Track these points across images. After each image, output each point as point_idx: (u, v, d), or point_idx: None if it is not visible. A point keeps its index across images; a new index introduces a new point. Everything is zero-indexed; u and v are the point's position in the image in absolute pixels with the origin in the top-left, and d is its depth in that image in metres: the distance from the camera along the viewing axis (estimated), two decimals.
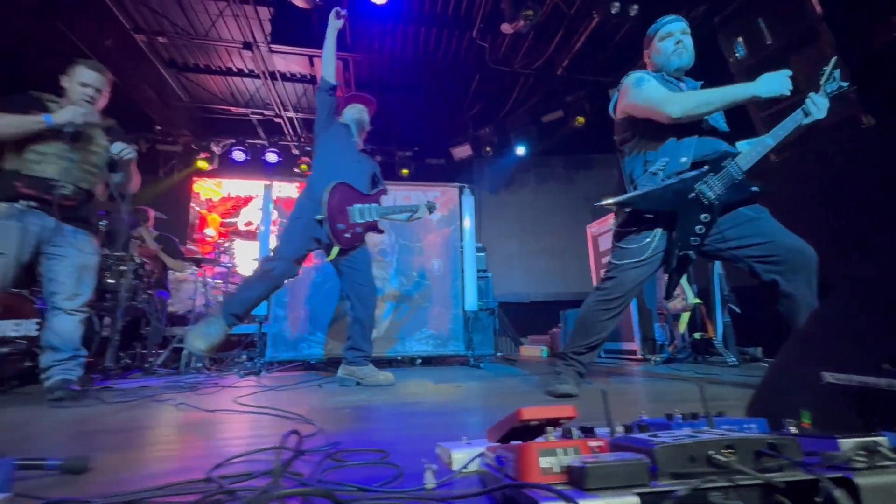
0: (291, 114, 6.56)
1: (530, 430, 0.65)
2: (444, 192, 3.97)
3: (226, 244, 6.60)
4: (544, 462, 0.53)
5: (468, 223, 3.83)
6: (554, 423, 0.64)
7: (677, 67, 1.78)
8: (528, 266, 6.91)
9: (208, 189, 7.48)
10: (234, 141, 6.85)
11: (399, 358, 3.58)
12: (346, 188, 2.51)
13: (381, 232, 2.70)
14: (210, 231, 7.34)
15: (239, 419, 1.49)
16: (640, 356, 3.75)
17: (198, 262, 3.93)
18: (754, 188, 1.59)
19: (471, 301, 3.50)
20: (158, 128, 6.79)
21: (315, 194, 2.46)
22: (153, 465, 0.92)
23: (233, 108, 6.64)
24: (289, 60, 5.54)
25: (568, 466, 0.52)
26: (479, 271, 4.02)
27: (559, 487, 0.49)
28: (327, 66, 2.60)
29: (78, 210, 2.10)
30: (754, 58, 3.27)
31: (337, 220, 2.43)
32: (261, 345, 3.30)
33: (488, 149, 6.36)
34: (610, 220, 3.99)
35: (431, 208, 2.68)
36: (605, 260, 4.07)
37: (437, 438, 0.95)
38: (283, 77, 5.83)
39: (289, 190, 7.85)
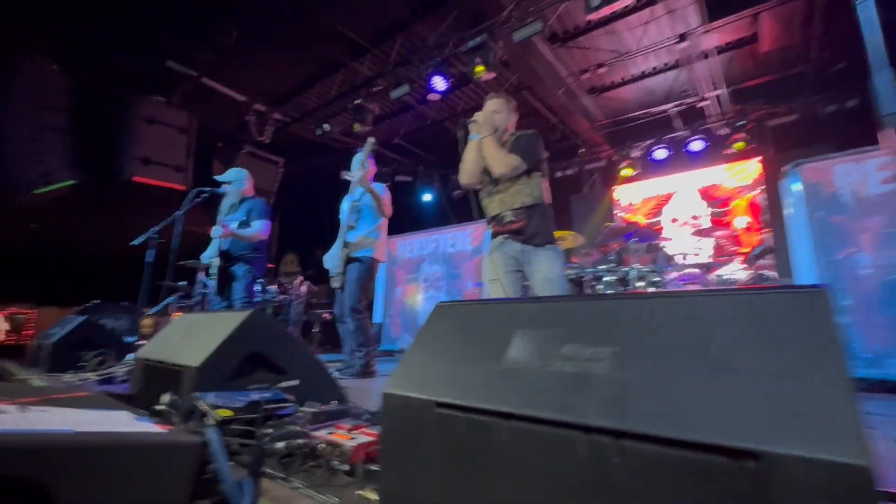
0: (719, 91, 5.89)
1: None
2: None
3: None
4: None
5: None
6: None
7: None
8: None
9: (628, 194, 7.87)
10: (651, 141, 6.89)
11: None
12: None
13: None
14: None
15: None
16: None
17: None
18: None
19: None
20: (582, 150, 7.77)
21: None
22: None
23: (648, 110, 6.68)
24: (724, 32, 4.96)
25: None
26: None
27: None
28: None
29: (525, 229, 2.23)
30: None
31: None
32: None
33: None
34: None
35: None
36: None
37: None
38: (718, 51, 5.28)
39: (715, 176, 7.16)
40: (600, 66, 5.46)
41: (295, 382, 1.49)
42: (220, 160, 6.85)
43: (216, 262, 3.48)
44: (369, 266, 3.14)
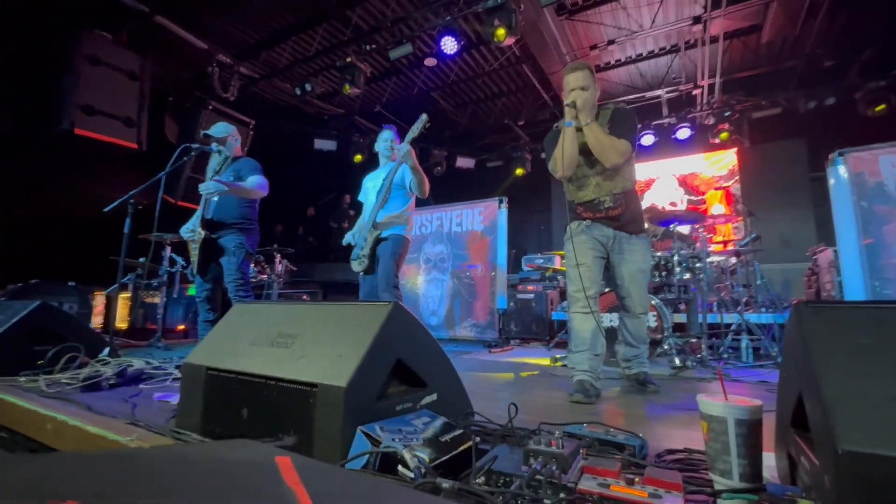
0: (713, 79, 5.95)
1: None
2: None
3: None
4: None
5: None
6: None
7: None
8: None
9: None
10: (640, 126, 6.91)
11: None
12: None
13: None
14: None
15: None
16: None
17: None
18: None
19: None
20: None
21: None
22: None
23: (641, 94, 6.66)
24: (734, 18, 4.95)
25: None
26: None
27: None
28: None
29: (623, 216, 2.08)
30: None
31: None
32: None
33: None
34: None
35: None
36: None
37: None
38: (725, 37, 5.27)
39: (694, 165, 7.33)
40: (611, 42, 5.28)
41: (433, 397, 1.13)
42: (172, 117, 5.87)
43: (199, 233, 2.86)
44: (402, 243, 2.80)
